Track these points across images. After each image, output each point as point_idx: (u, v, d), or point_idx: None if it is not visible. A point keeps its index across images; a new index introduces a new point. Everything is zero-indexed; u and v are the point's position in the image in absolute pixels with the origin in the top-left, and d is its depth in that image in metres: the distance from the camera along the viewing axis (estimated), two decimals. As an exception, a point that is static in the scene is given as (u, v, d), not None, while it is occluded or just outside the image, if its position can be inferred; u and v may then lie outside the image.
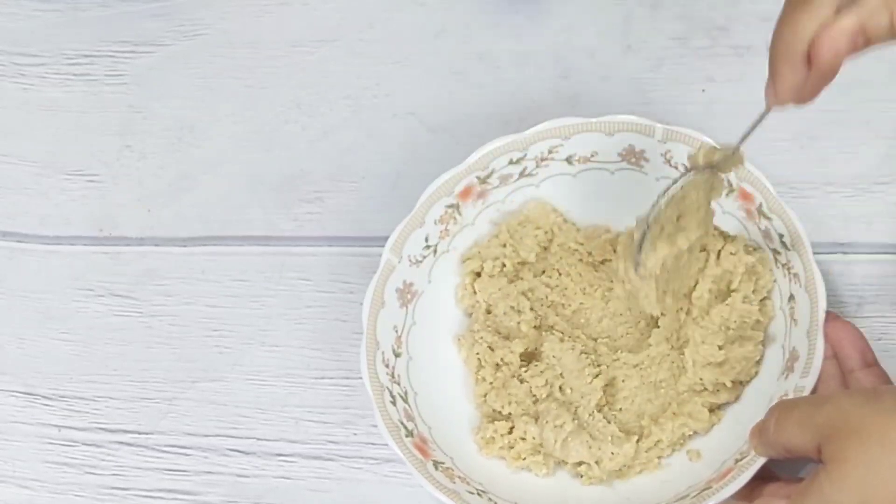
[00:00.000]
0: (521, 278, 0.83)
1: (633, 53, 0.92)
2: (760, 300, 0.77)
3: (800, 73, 0.59)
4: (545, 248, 0.84)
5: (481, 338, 0.81)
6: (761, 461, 0.69)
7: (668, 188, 0.72)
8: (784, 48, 0.59)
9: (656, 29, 0.92)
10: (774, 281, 0.78)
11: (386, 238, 0.80)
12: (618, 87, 0.91)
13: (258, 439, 0.85)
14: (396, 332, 0.80)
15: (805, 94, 0.61)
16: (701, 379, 0.77)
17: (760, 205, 0.77)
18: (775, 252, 0.77)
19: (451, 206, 0.82)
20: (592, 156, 0.82)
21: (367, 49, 0.96)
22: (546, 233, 0.83)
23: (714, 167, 0.72)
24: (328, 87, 0.96)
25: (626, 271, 0.74)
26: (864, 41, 0.58)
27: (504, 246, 0.83)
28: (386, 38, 0.96)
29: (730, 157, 0.71)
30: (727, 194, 0.79)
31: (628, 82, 0.91)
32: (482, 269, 0.83)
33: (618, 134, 0.81)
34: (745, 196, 0.78)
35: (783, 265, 0.77)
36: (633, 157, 0.82)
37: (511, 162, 0.82)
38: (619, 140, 0.81)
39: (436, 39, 0.95)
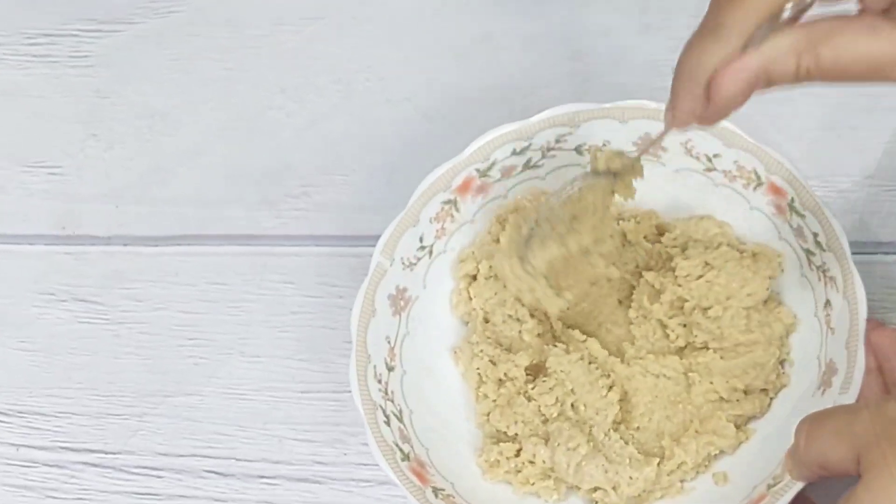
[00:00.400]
0: None
1: (651, 33, 0.92)
2: (764, 302, 0.78)
3: (698, 101, 0.62)
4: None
5: (481, 350, 0.80)
6: (797, 486, 0.68)
7: (563, 187, 0.74)
8: (686, 74, 0.62)
9: (677, 5, 0.91)
10: (772, 277, 0.78)
11: (378, 237, 0.80)
12: (634, 69, 0.91)
13: (237, 460, 0.84)
14: (389, 343, 0.79)
15: (705, 120, 0.64)
16: (712, 382, 0.77)
17: (792, 200, 0.77)
18: (809, 253, 0.76)
19: (447, 201, 0.81)
20: (604, 145, 0.81)
21: (359, 29, 0.96)
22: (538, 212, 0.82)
23: (614, 174, 0.73)
24: (316, 70, 0.95)
25: (513, 267, 0.74)
26: (765, 82, 0.61)
27: (498, 241, 0.82)
28: (379, 16, 0.96)
29: (629, 167, 0.73)
30: (755, 188, 0.79)
31: (645, 64, 0.90)
32: (478, 271, 0.82)
33: (632, 121, 0.80)
34: (776, 190, 0.78)
35: (818, 267, 0.76)
36: (649, 146, 0.80)
37: (514, 152, 0.81)
38: (634, 128, 0.80)
39: (434, 18, 0.95)
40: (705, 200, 0.81)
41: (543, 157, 0.82)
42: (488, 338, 0.81)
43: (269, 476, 0.83)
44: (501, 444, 0.77)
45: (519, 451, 0.77)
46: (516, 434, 0.78)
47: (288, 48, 0.96)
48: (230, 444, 0.85)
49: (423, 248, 0.81)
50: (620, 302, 0.82)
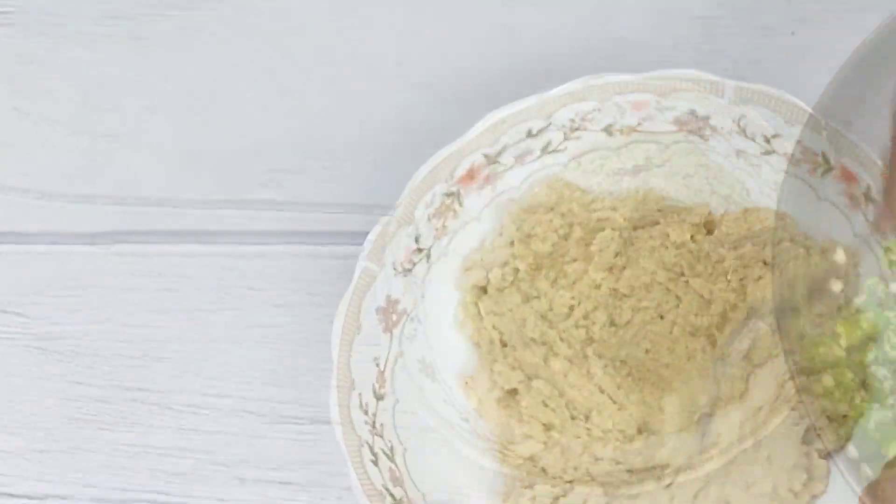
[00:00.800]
0: (538, 294, 0.82)
1: (697, -15, 0.88)
2: (837, 309, 0.78)
3: None
4: (565, 238, 0.83)
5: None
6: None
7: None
8: None
9: (728, -50, 0.90)
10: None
11: (366, 234, 0.80)
12: (676, 30, 0.91)
13: (192, 505, 0.82)
14: (378, 366, 0.78)
15: None
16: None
17: (868, 188, 0.77)
18: (888, 251, 0.77)
19: (449, 194, 0.81)
20: (640, 124, 0.82)
21: (339, -18, 0.93)
22: (563, 215, 0.83)
23: None
24: (291, 33, 0.95)
25: None
26: None
27: (512, 244, 0.82)
28: (365, -33, 0.95)
29: None
30: (823, 174, 0.78)
31: (690, 24, 0.91)
32: (487, 281, 0.82)
33: (674, 94, 0.80)
34: (848, 176, 0.77)
35: (898, 267, 0.76)
36: (694, 125, 0.81)
37: (530, 134, 0.81)
38: (677, 103, 0.81)
39: (434, -29, 0.93)
40: (762, 189, 0.81)
41: (566, 139, 0.82)
42: (512, 365, 0.81)
43: (230, 526, 0.81)
44: (536, 487, 0.78)
45: (558, 499, 0.78)
46: (571, 481, 0.79)
47: (257, 5, 0.95)
48: (184, 487, 0.84)
49: (419, 250, 0.80)
50: (662, 317, 0.81)
